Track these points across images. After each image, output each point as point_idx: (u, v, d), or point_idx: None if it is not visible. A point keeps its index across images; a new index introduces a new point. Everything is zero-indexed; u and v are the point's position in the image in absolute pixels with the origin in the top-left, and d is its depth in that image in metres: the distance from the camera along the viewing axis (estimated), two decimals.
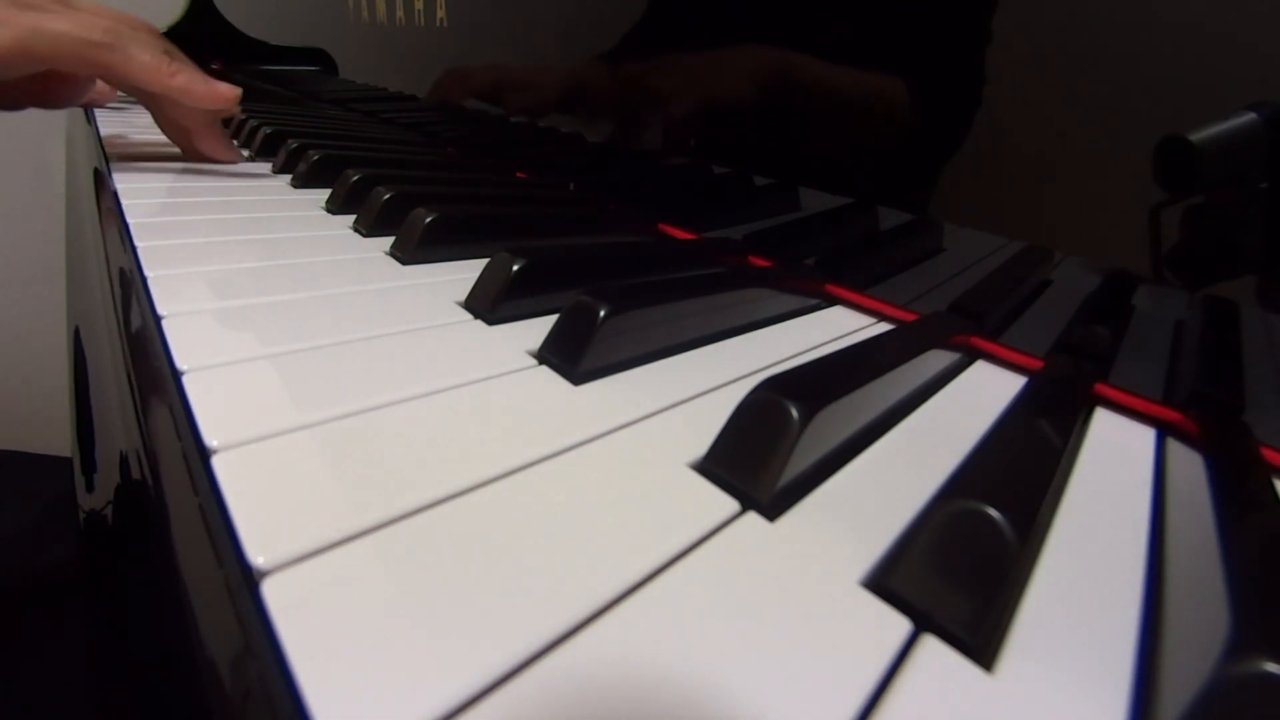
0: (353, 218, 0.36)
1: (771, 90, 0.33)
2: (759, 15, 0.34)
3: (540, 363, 0.21)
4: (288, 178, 0.46)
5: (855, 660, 0.11)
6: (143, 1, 0.53)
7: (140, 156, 0.47)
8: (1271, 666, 0.10)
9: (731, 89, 0.35)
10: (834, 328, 0.30)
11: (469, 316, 0.25)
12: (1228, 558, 0.13)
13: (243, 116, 0.60)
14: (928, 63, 0.28)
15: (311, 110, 0.77)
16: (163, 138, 0.49)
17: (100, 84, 0.68)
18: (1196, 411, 0.23)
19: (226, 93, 0.44)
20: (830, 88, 0.30)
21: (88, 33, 0.37)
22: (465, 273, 0.29)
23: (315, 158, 0.44)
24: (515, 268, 0.25)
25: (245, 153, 0.54)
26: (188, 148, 0.48)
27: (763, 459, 0.15)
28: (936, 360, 0.24)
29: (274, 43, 1.07)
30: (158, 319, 0.21)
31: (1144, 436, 0.23)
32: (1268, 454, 0.21)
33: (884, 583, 0.13)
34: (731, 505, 0.15)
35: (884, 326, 0.31)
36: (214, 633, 0.11)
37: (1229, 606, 0.11)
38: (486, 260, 0.26)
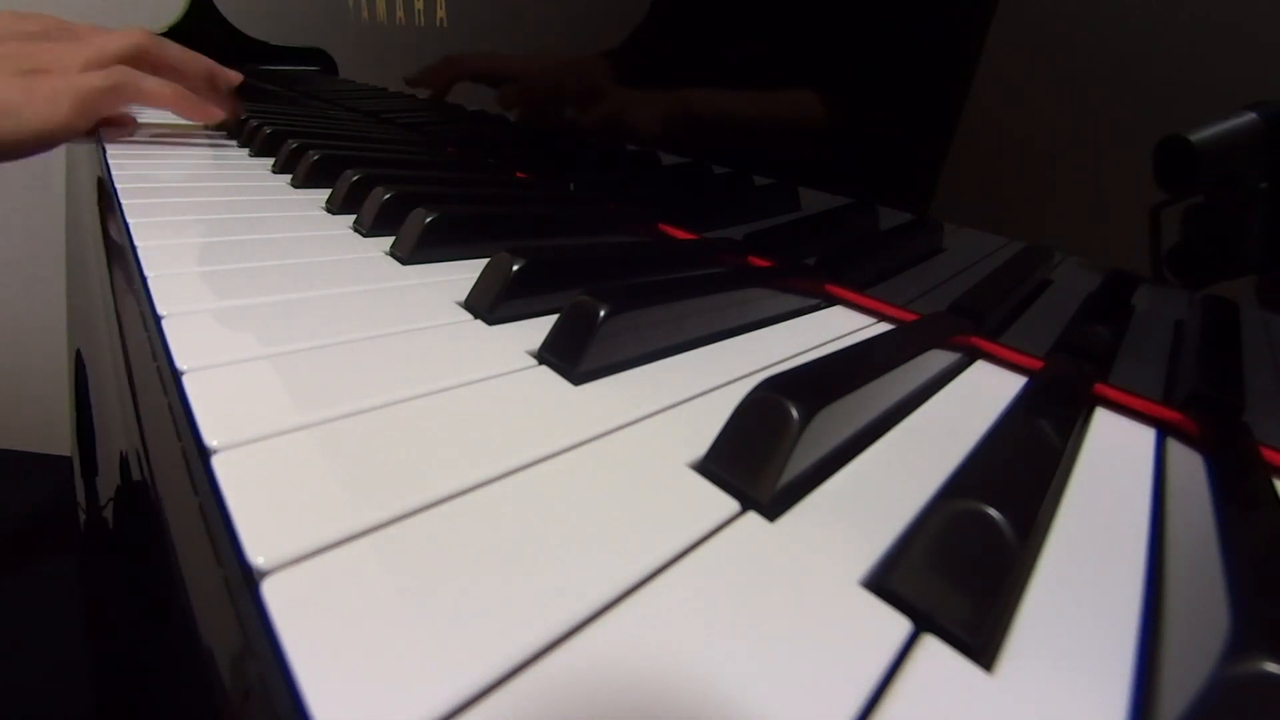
0: (353, 218, 0.36)
1: (687, 124, 0.39)
2: (742, 21, 0.34)
3: (540, 363, 0.21)
4: (288, 177, 0.46)
5: (855, 660, 0.11)
6: (144, 2, 0.53)
7: (141, 155, 0.47)
8: (1271, 666, 0.10)
9: (649, 122, 0.41)
10: (834, 328, 0.30)
11: (469, 316, 0.25)
12: (1228, 558, 0.13)
13: (243, 116, 0.60)
14: (899, 70, 0.28)
15: (311, 110, 0.77)
16: (162, 134, 0.50)
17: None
18: (1196, 411, 0.23)
19: (214, 113, 0.54)
20: (741, 116, 0.35)
21: (111, 78, 0.45)
22: (465, 273, 0.29)
23: (315, 158, 0.44)
24: (515, 268, 0.25)
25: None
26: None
27: (763, 459, 0.15)
28: (936, 360, 0.24)
29: (274, 43, 1.07)
30: (158, 319, 0.21)
31: (1144, 436, 0.23)
32: (1268, 454, 0.21)
33: (884, 583, 0.13)
34: (731, 505, 0.15)
35: (884, 326, 0.31)
36: (214, 633, 0.11)
37: (1229, 606, 0.11)
38: (486, 260, 0.26)
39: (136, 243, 0.28)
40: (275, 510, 0.13)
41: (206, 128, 0.55)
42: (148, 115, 0.58)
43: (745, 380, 0.22)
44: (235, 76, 0.60)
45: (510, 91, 0.54)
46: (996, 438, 0.17)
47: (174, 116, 0.54)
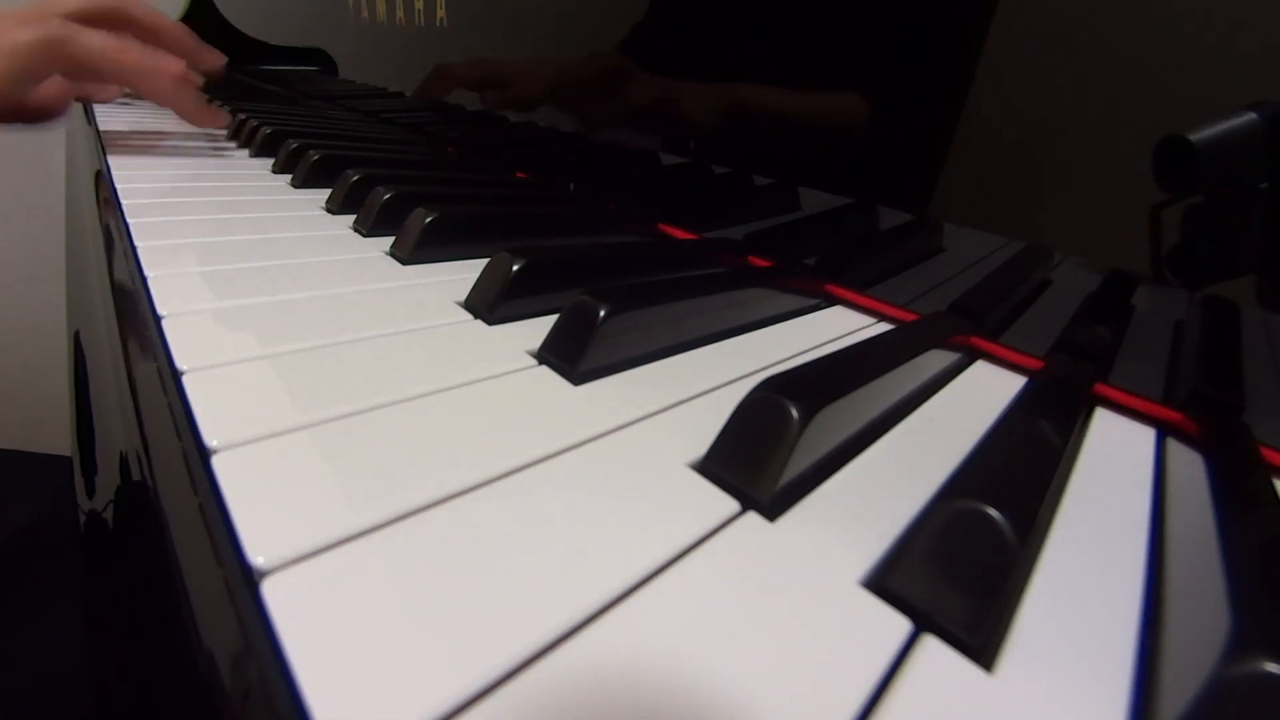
0: (353, 218, 0.36)
1: (734, 118, 0.37)
2: (742, 21, 0.34)
3: (540, 363, 0.21)
4: (288, 177, 0.46)
5: (855, 660, 0.11)
6: (143, 2, 0.53)
7: (141, 155, 0.47)
8: (1271, 666, 0.10)
9: (699, 117, 0.39)
10: (834, 328, 0.30)
11: (469, 316, 0.25)
12: (1228, 558, 0.13)
13: (243, 116, 0.60)
14: (900, 72, 0.28)
15: (311, 110, 0.77)
16: (162, 134, 0.50)
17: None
18: (1196, 411, 0.23)
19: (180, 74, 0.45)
20: (785, 112, 0.34)
21: (45, 30, 0.39)
22: (465, 273, 0.29)
23: (315, 158, 0.44)
24: (515, 268, 0.25)
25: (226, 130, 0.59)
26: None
27: (763, 459, 0.15)
28: (936, 360, 0.24)
29: (274, 43, 1.07)
30: (158, 319, 0.21)
31: (1144, 436, 0.23)
32: (1268, 454, 0.21)
33: (884, 583, 0.13)
34: (731, 505, 0.15)
35: (884, 326, 0.31)
36: (214, 633, 0.11)
37: (1229, 606, 0.11)
38: (486, 260, 0.26)
39: (136, 242, 0.28)
40: (275, 510, 0.13)
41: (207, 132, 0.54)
42: (141, 118, 0.58)
43: (745, 380, 0.22)
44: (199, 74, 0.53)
45: (504, 98, 0.54)
46: (996, 438, 0.17)
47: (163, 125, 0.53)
